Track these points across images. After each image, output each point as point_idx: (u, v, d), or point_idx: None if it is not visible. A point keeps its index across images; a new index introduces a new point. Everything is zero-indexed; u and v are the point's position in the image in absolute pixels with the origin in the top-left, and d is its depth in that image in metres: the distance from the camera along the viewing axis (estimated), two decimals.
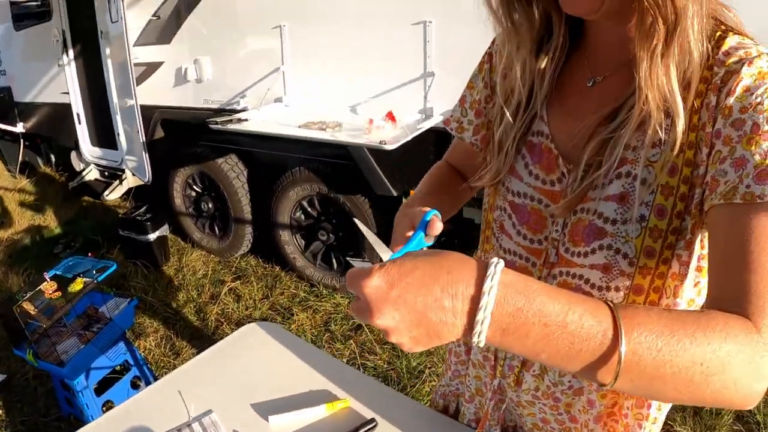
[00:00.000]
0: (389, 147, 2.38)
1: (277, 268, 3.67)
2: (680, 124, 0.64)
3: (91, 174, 4.93)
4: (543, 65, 0.77)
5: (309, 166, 3.12)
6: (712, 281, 0.62)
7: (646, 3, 0.60)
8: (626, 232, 0.71)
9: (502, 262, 0.51)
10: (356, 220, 0.77)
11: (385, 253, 0.61)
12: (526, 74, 0.78)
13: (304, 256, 3.45)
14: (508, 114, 0.81)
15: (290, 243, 3.44)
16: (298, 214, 3.35)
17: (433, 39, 2.57)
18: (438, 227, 0.69)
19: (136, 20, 3.74)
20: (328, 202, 3.21)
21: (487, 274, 0.50)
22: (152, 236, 3.85)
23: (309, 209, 3.32)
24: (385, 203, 2.99)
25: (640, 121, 0.66)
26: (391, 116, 2.55)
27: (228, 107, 3.39)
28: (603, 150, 0.71)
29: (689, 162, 0.67)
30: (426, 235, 0.68)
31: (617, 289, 0.74)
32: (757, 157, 0.59)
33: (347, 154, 2.86)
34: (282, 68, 3.06)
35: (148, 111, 3.78)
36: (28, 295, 2.60)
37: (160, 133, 3.94)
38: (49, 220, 5.16)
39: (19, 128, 5.94)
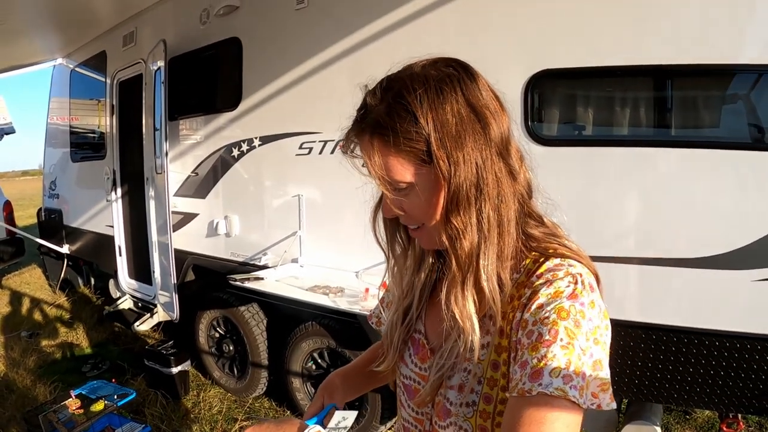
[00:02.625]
0: None
1: (288, 412, 4.04)
2: (476, 339, 0.88)
3: (126, 303, 5.54)
4: (421, 280, 1.07)
5: (320, 321, 3.57)
6: None
7: (448, 249, 0.89)
8: (464, 413, 0.94)
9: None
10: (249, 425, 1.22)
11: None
12: (406, 292, 1.08)
13: None
14: (393, 323, 1.12)
15: (301, 390, 3.83)
16: (309, 364, 3.76)
17: None
18: (330, 420, 1.12)
19: (177, 174, 4.44)
20: (336, 355, 3.63)
21: None
22: (174, 370, 4.29)
23: (319, 361, 3.73)
24: None
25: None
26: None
27: (251, 262, 3.96)
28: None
29: (505, 361, 0.89)
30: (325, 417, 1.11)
31: None
32: (535, 361, 0.78)
33: (353, 314, 3.31)
34: (299, 232, 3.63)
35: (182, 255, 4.39)
36: (54, 407, 3.13)
37: (191, 276, 4.53)
38: (81, 340, 5.70)
39: (65, 249, 6.72)
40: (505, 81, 2.74)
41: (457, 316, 0.89)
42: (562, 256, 0.90)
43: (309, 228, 3.63)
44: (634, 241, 2.52)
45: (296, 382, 3.84)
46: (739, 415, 2.65)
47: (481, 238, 0.87)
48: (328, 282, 3.24)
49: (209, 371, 4.58)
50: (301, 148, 3.55)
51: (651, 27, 2.40)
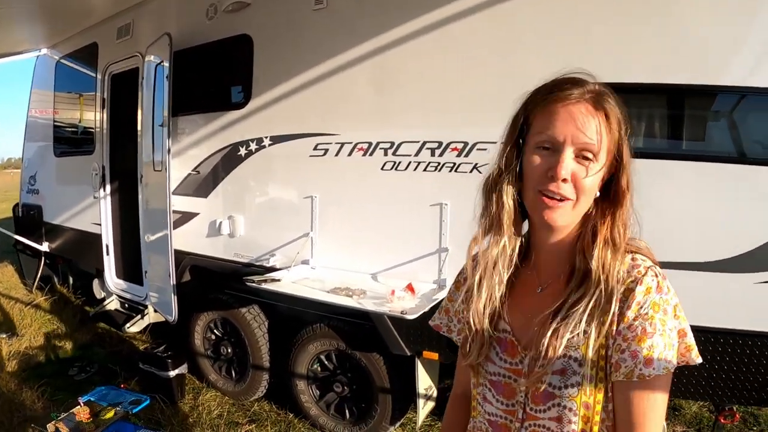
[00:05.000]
0: (410, 317, 2.83)
1: (291, 415, 4.05)
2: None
3: (112, 304, 5.45)
4: (503, 282, 1.20)
5: (329, 323, 3.61)
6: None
7: (597, 226, 1.10)
8: (569, 394, 1.09)
9: None
10: None
11: None
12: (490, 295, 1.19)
13: (318, 405, 3.85)
14: (475, 325, 1.21)
15: (306, 392, 3.85)
16: (315, 366, 3.78)
17: (448, 219, 3.14)
18: None
19: (176, 172, 4.40)
20: (344, 357, 3.66)
21: None
22: (172, 373, 4.25)
23: (326, 362, 3.76)
24: (398, 361, 3.44)
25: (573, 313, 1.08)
26: (410, 288, 3.06)
27: (257, 263, 3.95)
28: (553, 338, 1.09)
29: (602, 346, 1.07)
30: None
31: None
32: (645, 351, 1.01)
33: (365, 315, 3.35)
34: (311, 234, 3.65)
35: (178, 255, 4.34)
36: (63, 415, 3.10)
37: (187, 276, 4.48)
38: (65, 342, 5.58)
39: (44, 247, 6.56)
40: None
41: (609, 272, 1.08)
42: (632, 252, 1.12)
43: (321, 230, 3.65)
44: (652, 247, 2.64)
45: (301, 385, 3.86)
46: (735, 407, 2.82)
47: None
48: (347, 284, 3.27)
49: (205, 374, 4.56)
50: (315, 149, 3.56)
51: (669, 49, 2.54)
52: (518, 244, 1.20)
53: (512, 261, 1.20)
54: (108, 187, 5.38)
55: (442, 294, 3.07)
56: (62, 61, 6.16)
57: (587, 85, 1.07)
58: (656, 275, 1.07)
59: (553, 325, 1.10)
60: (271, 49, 3.84)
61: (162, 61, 4.32)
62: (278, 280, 3.40)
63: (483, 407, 1.27)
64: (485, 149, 2.96)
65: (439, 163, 3.12)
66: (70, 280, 6.90)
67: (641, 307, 1.04)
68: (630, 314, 1.04)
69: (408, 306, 2.89)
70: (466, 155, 3.03)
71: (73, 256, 6.38)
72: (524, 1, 2.87)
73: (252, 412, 4.18)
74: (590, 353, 1.07)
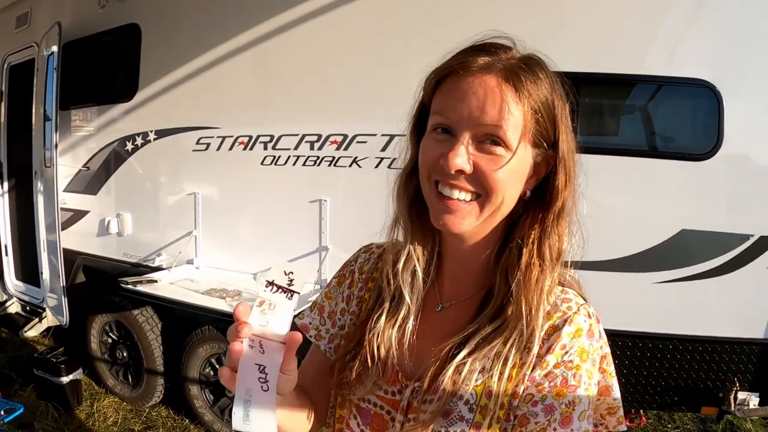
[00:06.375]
0: None
1: (187, 421, 3.88)
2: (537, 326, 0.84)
3: (13, 307, 5.18)
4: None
5: (217, 325, 3.44)
6: None
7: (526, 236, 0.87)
8: None
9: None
10: None
11: None
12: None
13: (212, 411, 3.69)
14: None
15: (199, 397, 3.68)
16: (207, 370, 3.62)
17: (328, 216, 3.02)
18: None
19: (66, 168, 4.19)
20: None
21: None
22: (65, 379, 4.02)
23: (218, 366, 3.60)
24: None
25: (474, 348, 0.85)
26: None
27: (144, 263, 3.78)
28: (456, 374, 0.86)
29: (506, 393, 0.84)
30: None
31: None
32: (563, 407, 0.80)
33: None
34: (194, 232, 3.49)
35: (71, 255, 4.14)
36: None
37: (81, 277, 4.28)
38: None
39: None
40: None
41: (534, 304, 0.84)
42: (560, 283, 0.91)
43: (205, 228, 3.50)
44: None
45: (194, 389, 3.70)
46: (641, 410, 2.76)
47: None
48: (224, 285, 3.13)
49: (103, 379, 4.34)
50: (198, 143, 3.40)
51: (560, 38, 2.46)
52: (434, 253, 0.97)
53: (427, 277, 0.96)
54: (5, 184, 5.11)
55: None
56: None
57: (502, 53, 0.84)
58: (589, 316, 0.87)
59: (458, 359, 0.86)
60: (157, 39, 3.67)
61: (54, 52, 4.10)
62: (155, 281, 3.24)
63: None
64: (365, 142, 2.86)
65: (318, 157, 3.00)
66: None
67: (566, 353, 0.83)
68: (551, 359, 0.83)
69: None
70: (346, 148, 2.92)
71: None
72: None
73: (148, 419, 4.00)
74: (491, 399, 0.84)
